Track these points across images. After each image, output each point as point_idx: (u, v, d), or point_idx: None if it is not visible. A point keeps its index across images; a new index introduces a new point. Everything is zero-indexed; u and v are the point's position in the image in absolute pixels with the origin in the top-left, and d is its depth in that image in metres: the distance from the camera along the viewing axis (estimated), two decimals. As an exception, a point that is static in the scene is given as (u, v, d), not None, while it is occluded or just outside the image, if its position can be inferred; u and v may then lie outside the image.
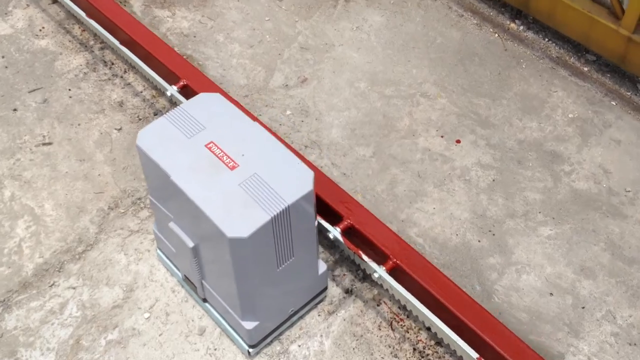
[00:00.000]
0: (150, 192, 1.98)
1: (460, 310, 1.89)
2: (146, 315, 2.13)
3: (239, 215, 1.69)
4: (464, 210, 2.31)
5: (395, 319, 2.09)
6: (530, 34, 2.82)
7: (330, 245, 2.22)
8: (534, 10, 2.73)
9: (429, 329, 2.04)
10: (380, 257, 2.04)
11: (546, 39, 2.79)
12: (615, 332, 2.05)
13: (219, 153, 1.79)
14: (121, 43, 2.56)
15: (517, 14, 2.87)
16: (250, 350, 2.02)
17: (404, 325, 2.07)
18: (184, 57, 2.63)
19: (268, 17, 2.90)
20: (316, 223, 1.90)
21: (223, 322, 2.05)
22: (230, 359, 2.04)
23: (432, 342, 2.03)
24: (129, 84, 2.67)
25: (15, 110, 2.59)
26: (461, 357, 1.91)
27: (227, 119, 1.88)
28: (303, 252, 1.89)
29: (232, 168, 1.76)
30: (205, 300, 2.08)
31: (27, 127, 2.55)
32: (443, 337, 1.92)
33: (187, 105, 1.91)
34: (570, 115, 2.56)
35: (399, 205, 2.32)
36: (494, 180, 2.38)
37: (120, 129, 2.54)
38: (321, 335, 2.07)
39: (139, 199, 2.35)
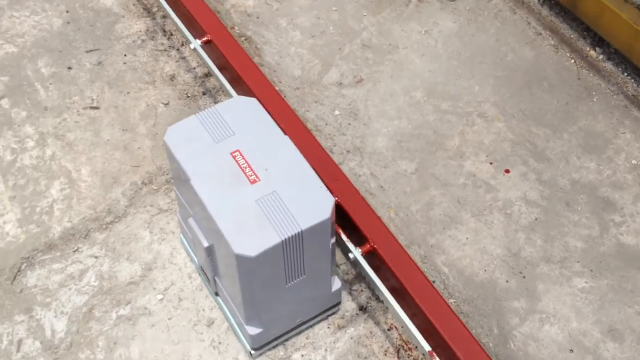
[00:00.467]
0: (174, 183, 1.97)
1: (425, 305, 1.87)
2: (159, 296, 2.13)
3: (250, 233, 1.65)
4: (498, 245, 2.21)
5: (403, 347, 2.03)
6: (609, 65, 2.64)
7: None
8: (612, 38, 2.56)
9: None
10: (360, 240, 2.01)
11: (625, 74, 2.62)
12: (632, 405, 1.94)
13: (243, 164, 1.75)
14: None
15: (599, 41, 2.70)
16: (253, 352, 2.00)
17: (411, 356, 2.01)
18: (243, 38, 2.59)
19: (336, 7, 2.82)
20: (333, 241, 1.84)
21: (231, 318, 2.04)
22: (233, 356, 2.03)
23: (436, 380, 1.97)
24: (184, 58, 2.65)
25: (69, 68, 2.61)
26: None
27: (258, 127, 1.83)
28: (315, 270, 1.84)
29: (253, 182, 1.72)
30: (217, 294, 2.07)
31: (78, 88, 2.57)
32: (404, 328, 1.94)
33: (221, 107, 1.87)
34: (634, 162, 2.40)
35: (431, 229, 2.24)
36: (536, 218, 2.26)
37: (167, 103, 2.53)
38: (326, 350, 2.03)
39: (173, 179, 2.34)
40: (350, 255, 2.00)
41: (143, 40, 2.68)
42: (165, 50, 2.66)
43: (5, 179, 2.36)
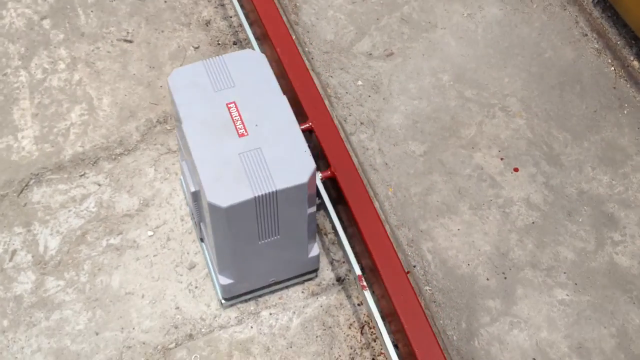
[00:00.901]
0: (176, 125, 2.02)
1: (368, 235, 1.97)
2: (150, 233, 2.22)
3: (226, 184, 1.69)
4: (487, 242, 2.19)
5: (368, 324, 2.06)
6: (650, 79, 2.54)
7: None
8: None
9: (396, 346, 1.99)
10: (324, 166, 2.12)
11: (665, 90, 2.51)
12: None
13: (236, 116, 1.78)
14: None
15: (646, 52, 2.59)
16: (224, 301, 2.07)
17: (374, 334, 2.04)
18: (283, -6, 2.60)
19: (384, -24, 2.79)
20: (312, 211, 1.87)
21: (210, 266, 2.11)
22: (205, 302, 2.10)
23: (394, 362, 1.99)
24: (223, 5, 2.68)
25: (112, -1, 2.69)
26: None
27: (259, 83, 1.86)
28: (291, 233, 1.88)
29: (241, 135, 1.76)
30: (202, 240, 2.14)
31: (116, 19, 2.64)
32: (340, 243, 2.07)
33: (229, 57, 1.90)
34: (650, 182, 2.32)
35: (425, 214, 2.24)
36: (533, 222, 2.23)
37: (198, 47, 2.58)
38: (294, 312, 2.08)
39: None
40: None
41: (187, -18, 2.72)
42: (206, -6, 2.70)
43: (32, 96, 2.47)
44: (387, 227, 2.18)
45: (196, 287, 2.12)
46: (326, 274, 2.15)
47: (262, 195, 1.68)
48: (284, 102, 1.83)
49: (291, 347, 2.02)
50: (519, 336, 2.04)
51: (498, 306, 2.08)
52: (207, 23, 2.64)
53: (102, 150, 2.36)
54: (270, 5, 2.41)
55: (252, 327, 2.05)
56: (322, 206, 2.16)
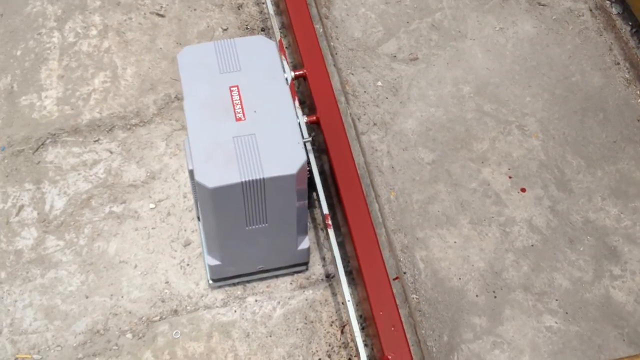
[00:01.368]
0: (183, 100, 2.06)
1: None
2: (152, 205, 2.26)
3: (215, 165, 1.72)
4: (482, 259, 2.17)
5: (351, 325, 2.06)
6: (678, 115, 2.48)
7: (337, 227, 2.19)
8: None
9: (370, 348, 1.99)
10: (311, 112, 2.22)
11: (691, 129, 2.45)
12: None
13: (236, 100, 1.80)
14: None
15: (678, 88, 2.52)
16: (211, 282, 2.10)
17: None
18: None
19: (421, -19, 2.77)
20: (302, 205, 1.88)
21: (204, 245, 2.14)
22: (195, 280, 2.13)
23: (369, 364, 2.00)
24: (269, -9, 2.70)
25: (150, -28, 2.73)
26: None
27: (265, 71, 1.87)
28: (280, 223, 1.89)
29: (238, 120, 1.78)
30: (199, 219, 2.17)
31: (152, -7, 2.69)
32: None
33: (240, 41, 1.92)
34: (659, 220, 2.27)
35: (423, 222, 2.23)
36: (532, 245, 2.20)
37: (226, 29, 2.60)
38: (278, 302, 2.10)
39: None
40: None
41: (225, -36, 2.75)
42: (242, -21, 2.72)
43: (61, 58, 2.54)
44: (383, 230, 2.18)
45: (188, 265, 2.16)
46: (317, 269, 2.16)
47: (249, 180, 1.70)
48: (286, 91, 1.85)
49: (270, 336, 2.04)
50: (499, 357, 2.02)
51: (483, 324, 2.07)
52: (240, 7, 2.67)
53: (119, 119, 2.41)
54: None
55: (235, 311, 2.08)
56: (316, 201, 2.17)
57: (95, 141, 2.37)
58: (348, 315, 1.97)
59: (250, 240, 1.91)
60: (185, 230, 2.21)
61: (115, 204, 2.26)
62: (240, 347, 2.02)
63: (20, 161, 2.33)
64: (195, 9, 2.65)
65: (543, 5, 2.72)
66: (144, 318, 2.07)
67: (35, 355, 2.01)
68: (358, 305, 2.06)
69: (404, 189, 2.29)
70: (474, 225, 2.23)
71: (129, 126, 2.40)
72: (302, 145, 1.75)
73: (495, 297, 2.11)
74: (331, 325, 2.06)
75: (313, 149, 2.30)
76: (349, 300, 1.94)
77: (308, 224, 2.18)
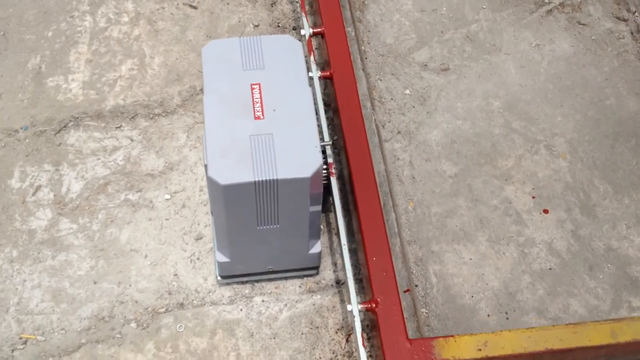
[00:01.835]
0: (204, 94, 2.04)
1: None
2: (167, 196, 2.24)
3: (229, 162, 1.69)
4: (497, 278, 2.12)
5: (357, 333, 2.02)
6: None
7: (350, 233, 2.16)
8: None
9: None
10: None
11: None
12: None
13: (257, 98, 1.78)
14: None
15: None
16: (219, 278, 2.08)
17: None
18: (352, -10, 2.57)
19: (459, -10, 2.72)
20: (316, 209, 1.84)
21: (215, 241, 2.12)
22: (204, 275, 2.11)
23: (372, 376, 1.96)
24: (292, -11, 2.68)
25: (187, -37, 2.72)
26: None
27: (289, 70, 1.84)
28: (291, 226, 1.86)
29: (257, 118, 1.75)
30: (212, 213, 2.15)
31: (186, -16, 2.68)
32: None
33: (266, 39, 1.89)
34: (685, 254, 2.19)
35: (440, 236, 2.18)
36: (550, 268, 2.14)
37: (257, 26, 2.59)
38: (285, 305, 2.07)
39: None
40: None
41: (262, -40, 2.73)
42: (277, -24, 2.70)
43: (91, 42, 2.54)
44: (397, 240, 2.14)
45: (198, 259, 2.14)
46: (327, 274, 2.13)
47: (262, 180, 1.67)
48: (308, 93, 1.81)
49: (274, 338, 2.01)
50: (505, 380, 1.96)
51: (491, 345, 2.01)
52: (273, 4, 2.64)
53: (142, 107, 2.40)
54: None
55: (241, 310, 2.06)
56: (332, 205, 2.13)
57: (117, 127, 2.37)
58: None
59: (260, 240, 1.89)
60: (198, 224, 2.19)
61: (131, 192, 2.25)
62: (243, 346, 1.99)
63: (41, 142, 2.33)
64: (228, 3, 2.64)
65: (583, 24, 2.66)
66: (149, 309, 2.06)
67: (40, 337, 2.01)
68: (366, 314, 2.02)
69: (423, 200, 2.25)
70: (492, 243, 2.18)
71: (151, 115, 2.39)
72: (320, 149, 1.71)
73: (507, 318, 2.06)
74: (337, 333, 2.03)
75: (334, 152, 2.27)
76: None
77: (322, 227, 2.15)
